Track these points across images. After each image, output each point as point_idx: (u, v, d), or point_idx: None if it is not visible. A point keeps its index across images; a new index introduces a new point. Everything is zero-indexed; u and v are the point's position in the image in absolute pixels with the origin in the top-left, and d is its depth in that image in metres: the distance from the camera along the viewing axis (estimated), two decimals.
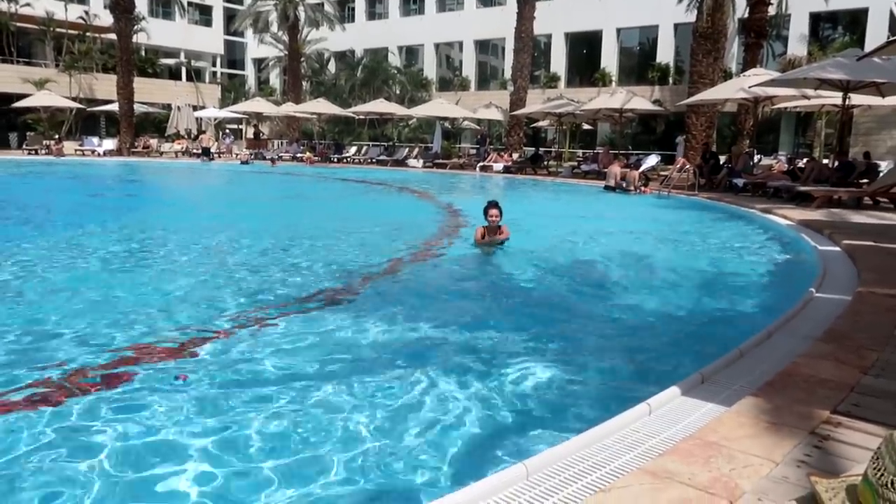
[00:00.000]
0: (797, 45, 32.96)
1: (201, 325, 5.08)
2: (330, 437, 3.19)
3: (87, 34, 41.07)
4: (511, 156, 28.36)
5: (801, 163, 19.68)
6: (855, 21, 32.85)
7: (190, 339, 4.67)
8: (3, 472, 2.80)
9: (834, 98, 16.57)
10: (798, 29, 33.20)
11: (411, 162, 29.97)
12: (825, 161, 18.39)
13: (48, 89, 34.99)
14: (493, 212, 8.06)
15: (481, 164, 27.46)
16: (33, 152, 31.25)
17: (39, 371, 3.97)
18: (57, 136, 33.24)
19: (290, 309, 5.61)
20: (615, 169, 18.96)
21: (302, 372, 4.05)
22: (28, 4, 38.60)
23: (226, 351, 4.42)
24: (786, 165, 20.26)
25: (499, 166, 26.63)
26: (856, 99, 16.21)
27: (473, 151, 33.07)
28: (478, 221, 8.31)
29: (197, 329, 4.95)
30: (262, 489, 2.72)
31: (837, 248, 8.06)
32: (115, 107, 34.62)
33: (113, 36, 35.29)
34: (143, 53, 44.86)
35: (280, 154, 32.70)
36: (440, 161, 29.55)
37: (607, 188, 18.61)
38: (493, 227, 8.11)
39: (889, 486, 1.32)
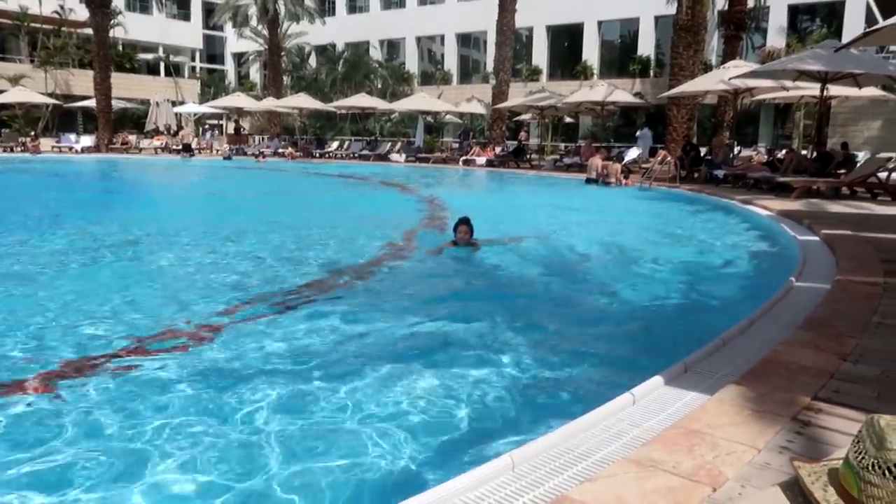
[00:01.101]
0: (776, 37, 33.27)
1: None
2: (315, 429, 3.17)
3: (63, 29, 40.44)
4: (494, 149, 28.38)
5: (781, 154, 19.89)
6: (832, 13, 33.21)
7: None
8: None
9: (812, 89, 16.75)
10: (777, 21, 33.51)
11: (394, 156, 29.88)
12: (804, 152, 18.61)
13: (23, 85, 34.41)
14: (463, 228, 7.56)
15: (464, 157, 27.45)
16: (8, 149, 30.71)
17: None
18: (33, 133, 32.71)
19: (269, 307, 5.57)
20: (596, 161, 19.04)
21: (285, 368, 4.02)
22: None
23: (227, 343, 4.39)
24: (765, 157, 20.48)
25: (482, 160, 26.64)
26: (833, 90, 16.41)
27: (456, 145, 33.04)
28: (460, 213, 8.20)
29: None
30: (237, 478, 2.70)
31: (816, 238, 8.16)
32: (92, 103, 34.12)
33: (89, 30, 34.74)
34: (120, 48, 44.26)
35: (261, 149, 32.46)
36: (423, 155, 29.50)
37: (589, 181, 18.69)
38: (462, 243, 7.59)
39: (870, 468, 1.33)
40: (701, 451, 2.42)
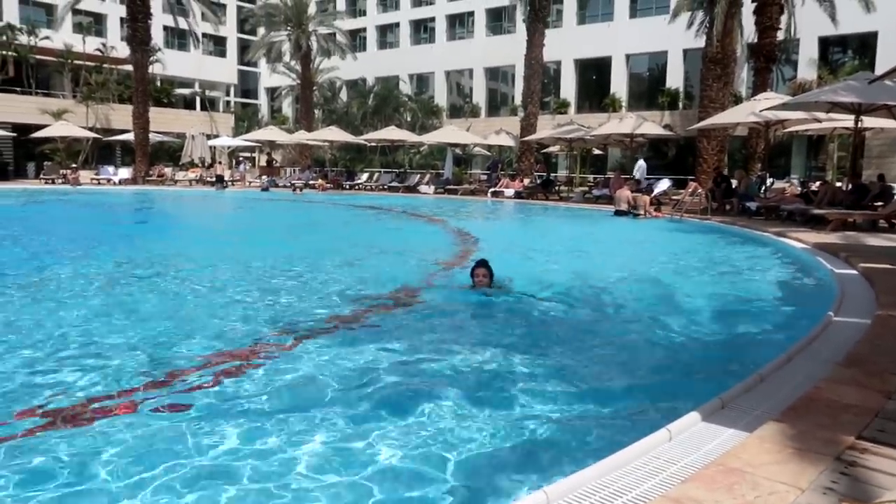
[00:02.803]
0: (807, 69, 33.05)
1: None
2: (348, 460, 3.17)
3: (104, 66, 41.89)
4: (522, 181, 28.43)
5: (814, 186, 19.59)
6: (864, 45, 32.96)
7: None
8: None
9: (846, 121, 16.54)
10: (807, 53, 33.32)
11: (423, 188, 30.09)
12: (838, 184, 18.31)
13: (65, 119, 35.57)
14: (481, 271, 6.84)
15: (493, 189, 27.54)
16: (50, 181, 31.68)
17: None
18: (73, 166, 33.71)
19: (307, 333, 5.61)
20: (625, 193, 18.95)
21: (313, 398, 4.02)
22: (47, 38, 39.49)
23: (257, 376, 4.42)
24: (798, 189, 20.18)
25: (510, 192, 26.68)
26: (868, 122, 16.17)
27: (484, 177, 33.20)
28: (489, 246, 8.06)
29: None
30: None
31: (854, 272, 7.98)
32: (130, 136, 35.10)
33: (129, 67, 35.94)
34: (158, 83, 45.66)
35: (293, 181, 32.99)
36: (451, 187, 29.67)
37: (618, 213, 18.59)
38: (479, 288, 6.87)
39: None
40: (742, 490, 2.36)
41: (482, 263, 6.96)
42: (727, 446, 2.86)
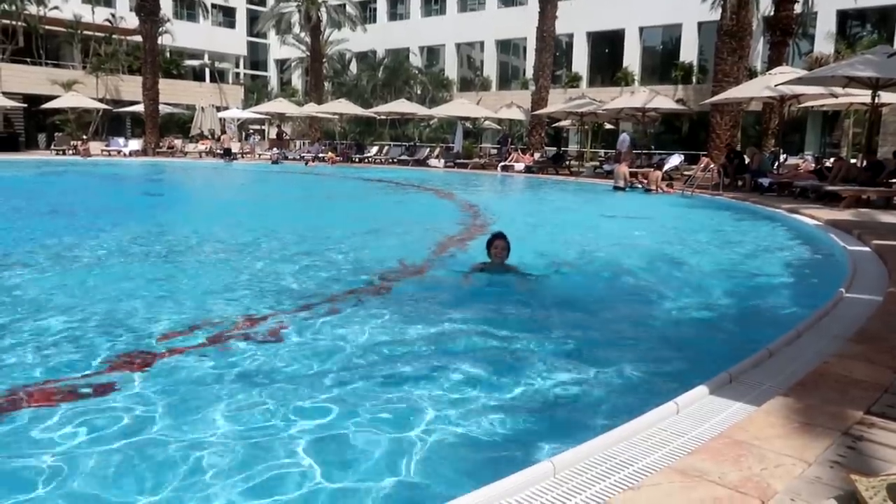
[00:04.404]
0: (824, 42, 32.42)
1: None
2: (360, 432, 3.20)
3: (114, 36, 41.68)
4: (532, 156, 28.25)
5: (829, 162, 19.36)
6: (884, 18, 32.28)
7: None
8: None
9: (863, 96, 16.27)
10: (825, 26, 32.66)
11: (432, 162, 29.98)
12: (853, 161, 18.08)
13: (75, 90, 35.55)
14: (500, 243, 6.35)
15: (503, 163, 27.39)
16: (61, 152, 31.78)
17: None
18: (84, 137, 33.77)
19: (318, 308, 5.64)
20: (622, 169, 18.99)
21: (323, 371, 4.06)
22: (56, 8, 39.25)
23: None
24: (812, 165, 19.94)
25: (520, 166, 26.54)
26: (885, 97, 15.92)
27: (494, 151, 33.00)
28: (501, 219, 7.92)
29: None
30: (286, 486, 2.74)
31: (867, 249, 7.91)
32: (140, 108, 35.08)
33: (139, 38, 35.75)
34: (167, 55, 45.41)
35: (303, 154, 32.94)
36: (461, 161, 29.53)
37: (616, 188, 18.57)
38: (495, 263, 6.42)
39: None
40: (748, 462, 2.36)
41: (500, 235, 6.49)
42: (734, 419, 2.87)
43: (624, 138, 25.24)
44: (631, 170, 19.42)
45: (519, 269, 6.58)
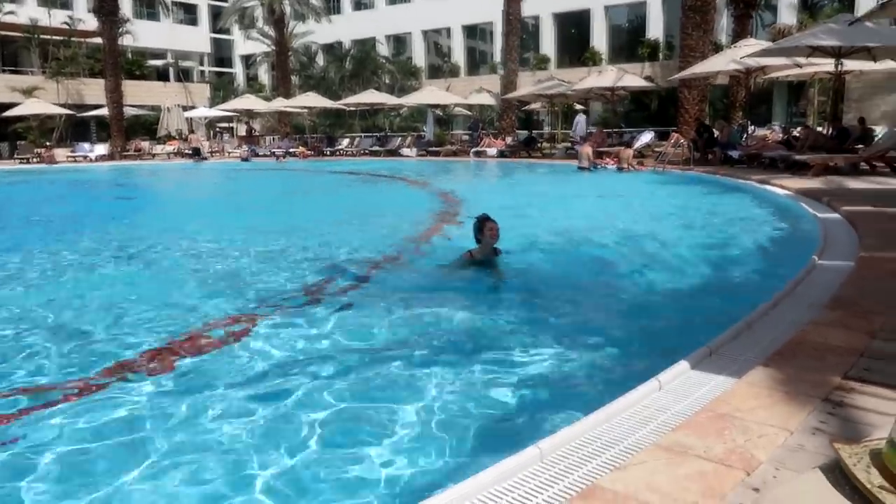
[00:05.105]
0: (787, 13, 32.78)
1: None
2: (342, 423, 3.18)
3: (73, 39, 40.77)
4: (504, 140, 28.26)
5: (796, 131, 19.61)
6: None
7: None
8: None
9: (826, 65, 16.47)
10: None
11: (405, 151, 29.84)
12: (820, 129, 18.33)
13: (36, 97, 34.72)
14: (493, 225, 6.11)
15: (475, 149, 27.36)
16: (25, 161, 31.05)
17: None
18: (48, 144, 33.05)
19: (296, 302, 5.59)
20: (586, 149, 19.15)
21: (304, 364, 4.02)
22: (12, 12, 38.27)
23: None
24: (780, 135, 20.19)
25: (493, 151, 26.54)
26: (848, 64, 16.12)
27: (466, 137, 32.95)
28: (478, 205, 7.90)
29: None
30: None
31: (837, 215, 8.04)
32: (104, 111, 34.38)
33: (99, 40, 34.96)
34: (129, 56, 44.55)
35: (274, 150, 32.58)
36: (433, 149, 29.44)
37: (580, 169, 18.69)
38: (487, 247, 6.19)
39: None
40: (732, 434, 2.39)
41: (489, 217, 6.21)
42: (716, 393, 2.89)
43: (578, 119, 25.60)
44: (601, 150, 19.54)
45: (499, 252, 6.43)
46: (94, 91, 37.97)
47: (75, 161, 31.69)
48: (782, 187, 11.34)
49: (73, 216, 12.94)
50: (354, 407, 3.42)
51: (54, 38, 39.97)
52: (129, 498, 2.66)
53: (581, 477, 2.29)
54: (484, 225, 6.12)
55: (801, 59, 16.20)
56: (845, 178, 12.49)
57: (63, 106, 35.73)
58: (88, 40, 40.50)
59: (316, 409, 3.37)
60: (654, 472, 2.16)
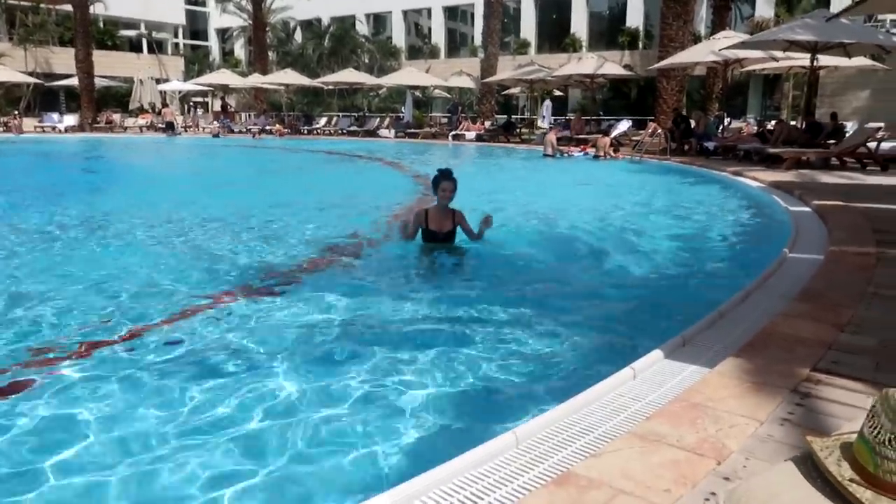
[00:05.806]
0: (765, 7, 33.07)
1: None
2: (316, 409, 3.17)
3: (42, 6, 39.55)
4: (483, 124, 28.21)
5: (770, 125, 19.88)
6: None
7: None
8: None
9: (802, 59, 16.71)
10: None
11: (382, 132, 29.65)
12: (793, 123, 18.61)
13: (2, 64, 33.72)
14: (446, 185, 5.93)
15: (454, 132, 27.28)
16: None
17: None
18: (16, 113, 32.16)
19: (258, 285, 5.54)
20: (550, 137, 19.33)
21: (270, 351, 3.99)
22: None
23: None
24: (755, 128, 20.47)
25: (471, 135, 26.49)
26: (823, 60, 16.37)
27: (445, 120, 32.82)
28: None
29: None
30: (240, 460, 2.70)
31: (808, 209, 8.19)
32: (74, 81, 33.54)
33: (68, 7, 34.02)
34: (101, 25, 43.39)
35: (249, 126, 32.13)
36: (412, 131, 29.30)
37: (545, 156, 18.82)
38: (442, 209, 6.12)
39: (886, 443, 1.34)
40: (704, 424, 2.43)
41: (447, 175, 5.97)
42: (689, 382, 2.94)
43: (546, 105, 25.99)
44: (579, 137, 19.74)
45: (464, 225, 6.34)
46: (63, 60, 36.97)
47: (43, 132, 30.97)
48: (756, 179, 11.51)
49: (40, 188, 12.63)
50: (321, 389, 3.39)
51: (22, 3, 38.73)
52: (103, 486, 2.63)
53: (556, 463, 2.32)
54: (438, 182, 5.98)
55: (778, 53, 16.41)
56: (817, 172, 12.72)
57: (31, 74, 34.79)
58: (58, 7, 39.30)
59: (282, 393, 3.34)
60: (628, 459, 2.20)
